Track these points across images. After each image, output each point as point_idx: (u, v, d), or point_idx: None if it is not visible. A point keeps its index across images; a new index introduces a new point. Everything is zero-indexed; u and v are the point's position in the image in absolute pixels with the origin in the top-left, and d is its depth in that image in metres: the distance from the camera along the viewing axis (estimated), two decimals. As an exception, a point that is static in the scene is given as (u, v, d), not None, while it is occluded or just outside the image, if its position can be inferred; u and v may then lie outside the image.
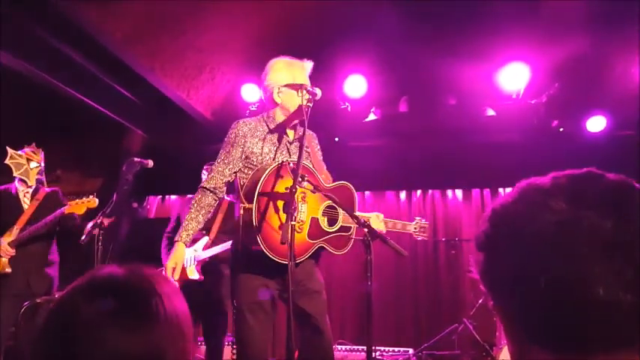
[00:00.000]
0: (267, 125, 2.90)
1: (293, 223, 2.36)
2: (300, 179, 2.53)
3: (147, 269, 0.92)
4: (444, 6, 5.15)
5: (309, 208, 2.78)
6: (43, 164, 4.57)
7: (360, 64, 5.79)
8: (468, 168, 6.62)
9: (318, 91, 2.78)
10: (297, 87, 2.81)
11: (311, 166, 2.88)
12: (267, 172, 2.65)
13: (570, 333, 0.72)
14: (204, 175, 4.35)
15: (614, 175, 0.79)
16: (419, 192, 7.15)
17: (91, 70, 5.02)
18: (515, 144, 6.28)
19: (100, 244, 3.53)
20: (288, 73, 2.87)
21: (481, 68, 5.76)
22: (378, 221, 2.96)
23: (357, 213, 2.79)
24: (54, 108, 5.82)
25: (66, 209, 4.15)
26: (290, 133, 2.93)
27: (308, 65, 2.93)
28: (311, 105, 2.76)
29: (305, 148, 2.78)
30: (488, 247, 0.81)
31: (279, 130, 2.89)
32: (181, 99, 5.64)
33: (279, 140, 2.88)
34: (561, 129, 6.26)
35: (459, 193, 7.18)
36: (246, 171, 2.81)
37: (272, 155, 2.84)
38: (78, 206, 4.12)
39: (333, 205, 2.79)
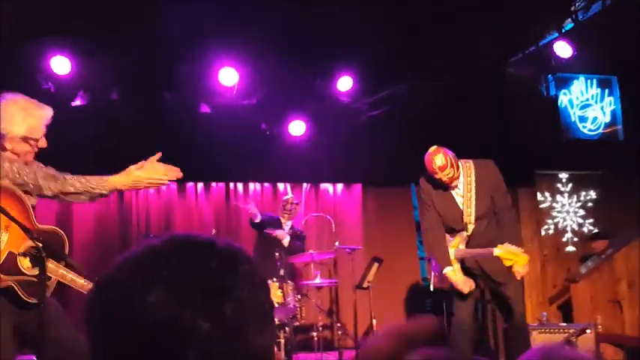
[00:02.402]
0: None
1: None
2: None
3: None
4: None
5: (10, 240, 2.55)
6: None
7: (66, 41, 5.33)
8: (179, 164, 6.61)
9: None
10: None
11: (34, 202, 2.66)
12: None
13: None
14: None
15: (222, 246, 0.78)
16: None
17: None
18: (228, 142, 6.51)
19: None
20: None
21: (198, 64, 5.86)
22: None
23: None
24: None
25: None
26: None
27: None
28: None
29: None
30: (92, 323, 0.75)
31: None
32: None
33: None
34: (268, 132, 6.76)
35: (172, 186, 7.16)
36: None
37: None
38: None
39: (39, 248, 2.53)
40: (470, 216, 4.06)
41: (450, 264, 4.05)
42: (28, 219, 2.60)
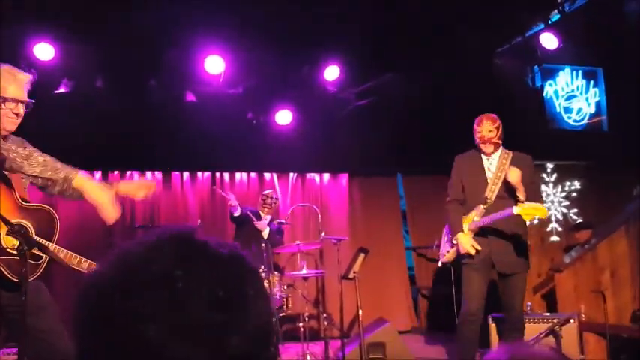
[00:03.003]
0: None
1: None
2: None
3: None
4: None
5: None
6: None
7: (50, 27, 5.25)
8: (165, 153, 6.56)
9: None
10: None
11: (26, 183, 2.67)
12: None
13: None
14: None
15: (231, 263, 0.73)
16: (99, 174, 6.77)
17: None
18: (214, 131, 6.46)
19: None
20: None
21: (184, 52, 5.80)
22: None
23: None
24: None
25: None
26: None
27: None
28: None
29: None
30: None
31: None
32: None
33: None
34: (254, 121, 6.72)
35: (158, 175, 7.12)
36: None
37: None
38: None
39: (25, 227, 2.56)
40: (493, 193, 4.14)
41: (461, 230, 4.18)
42: (11, 198, 2.56)
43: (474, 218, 4.18)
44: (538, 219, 7.76)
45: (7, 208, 2.54)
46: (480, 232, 4.16)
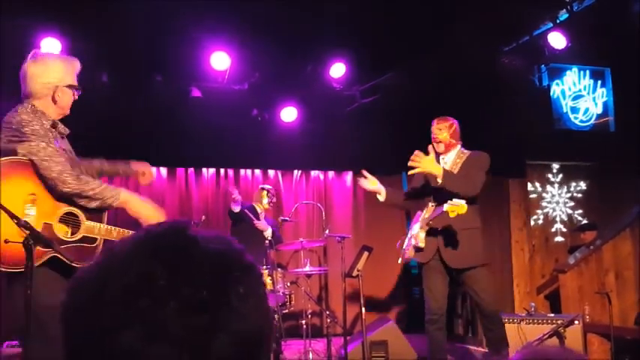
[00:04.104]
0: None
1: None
2: None
3: None
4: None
5: (40, 213, 2.56)
6: None
7: (56, 22, 5.24)
8: (170, 149, 6.56)
9: None
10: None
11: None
12: None
13: None
14: None
15: (215, 260, 0.69)
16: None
17: None
18: (219, 128, 6.46)
19: None
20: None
21: (190, 48, 5.78)
22: None
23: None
24: None
25: None
26: None
27: None
28: None
29: None
30: None
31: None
32: None
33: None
34: (259, 118, 6.71)
35: (163, 171, 7.11)
36: None
37: None
38: None
39: (74, 213, 2.64)
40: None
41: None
42: (45, 191, 2.61)
43: (425, 215, 4.25)
44: (543, 219, 7.77)
45: (49, 200, 2.60)
46: (430, 231, 4.19)
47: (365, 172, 4.54)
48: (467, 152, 4.32)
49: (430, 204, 4.22)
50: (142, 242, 0.69)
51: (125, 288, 0.64)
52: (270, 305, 0.72)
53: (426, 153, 4.00)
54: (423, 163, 3.92)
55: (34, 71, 2.72)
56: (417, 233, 4.24)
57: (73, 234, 2.67)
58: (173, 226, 0.72)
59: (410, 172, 4.15)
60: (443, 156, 4.32)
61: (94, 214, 2.72)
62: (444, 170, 3.98)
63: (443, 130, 4.29)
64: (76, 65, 2.88)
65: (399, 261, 4.60)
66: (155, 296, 0.63)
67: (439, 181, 3.94)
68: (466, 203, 3.81)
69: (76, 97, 2.86)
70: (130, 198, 2.77)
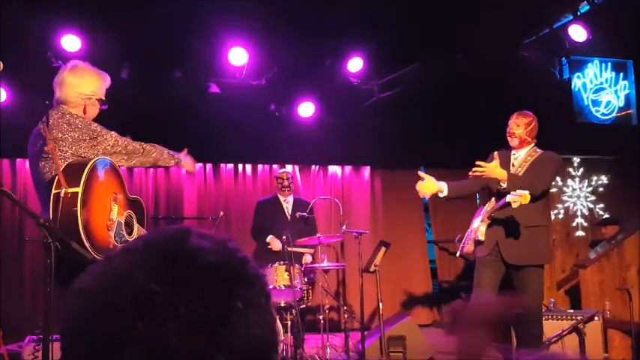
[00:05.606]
0: None
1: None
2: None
3: None
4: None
5: (118, 210, 2.83)
6: None
7: (76, 18, 5.30)
8: (188, 144, 6.59)
9: None
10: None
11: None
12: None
13: None
14: None
15: (216, 274, 0.66)
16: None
17: None
18: (237, 123, 6.48)
19: None
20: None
21: (208, 43, 5.81)
22: None
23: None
24: None
25: None
26: None
27: None
28: None
29: None
30: None
31: None
32: None
33: None
34: (277, 113, 6.71)
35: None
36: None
37: None
38: None
39: (131, 215, 2.93)
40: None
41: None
42: (123, 190, 2.88)
43: (487, 208, 4.21)
44: (563, 214, 7.68)
45: (122, 201, 2.85)
46: (492, 224, 4.13)
47: (421, 173, 4.18)
48: (539, 151, 4.25)
49: (493, 198, 4.17)
50: (140, 256, 0.67)
51: (123, 309, 0.62)
52: (273, 315, 0.70)
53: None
54: (488, 170, 3.87)
55: (72, 81, 2.88)
56: (477, 227, 4.20)
57: (129, 234, 2.91)
58: (173, 237, 0.69)
59: (472, 174, 3.99)
60: (514, 151, 4.27)
61: (140, 217, 3.00)
62: (509, 174, 3.94)
63: (520, 125, 4.21)
64: (108, 81, 3.07)
65: (457, 254, 4.61)
66: (153, 317, 0.61)
67: (503, 185, 3.89)
68: (532, 199, 3.78)
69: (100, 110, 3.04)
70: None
